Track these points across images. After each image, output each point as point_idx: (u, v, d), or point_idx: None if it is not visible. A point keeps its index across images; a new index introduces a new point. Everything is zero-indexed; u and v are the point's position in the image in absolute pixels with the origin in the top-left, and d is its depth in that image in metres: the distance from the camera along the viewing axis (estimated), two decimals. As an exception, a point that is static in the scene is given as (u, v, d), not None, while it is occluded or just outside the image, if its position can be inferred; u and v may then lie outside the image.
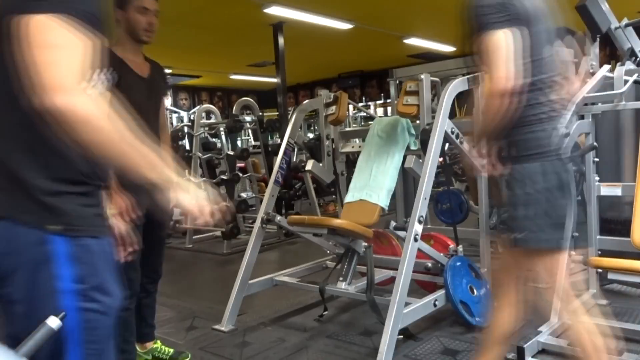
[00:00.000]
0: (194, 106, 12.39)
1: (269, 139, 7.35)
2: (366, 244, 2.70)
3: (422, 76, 2.77)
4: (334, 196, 5.07)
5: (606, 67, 2.66)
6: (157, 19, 2.11)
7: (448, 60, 3.73)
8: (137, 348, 2.42)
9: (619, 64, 2.67)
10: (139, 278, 2.15)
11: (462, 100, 3.40)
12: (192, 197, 1.05)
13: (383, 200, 2.85)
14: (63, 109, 0.87)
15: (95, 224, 1.04)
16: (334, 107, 3.25)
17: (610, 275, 2.11)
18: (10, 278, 0.95)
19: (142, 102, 2.01)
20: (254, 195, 6.11)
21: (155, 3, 2.11)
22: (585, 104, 2.68)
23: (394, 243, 3.18)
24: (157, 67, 2.28)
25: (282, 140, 3.36)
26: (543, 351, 2.33)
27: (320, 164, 3.39)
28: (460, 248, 2.85)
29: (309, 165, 3.33)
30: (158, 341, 2.51)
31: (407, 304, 2.41)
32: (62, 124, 0.89)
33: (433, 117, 2.74)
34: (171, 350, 2.49)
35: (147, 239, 1.90)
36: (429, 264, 2.80)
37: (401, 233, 2.58)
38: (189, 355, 2.52)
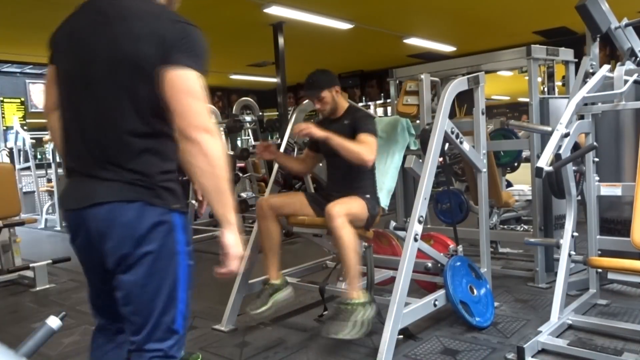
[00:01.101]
0: (194, 106, 12.36)
1: (269, 139, 7.35)
2: (366, 244, 2.69)
3: (422, 76, 2.77)
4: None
5: (606, 67, 2.66)
6: None
7: (448, 60, 3.73)
8: None
9: (619, 64, 2.67)
10: None
11: (462, 100, 3.41)
12: (236, 241, 1.33)
13: (383, 201, 2.84)
14: (207, 142, 1.26)
15: (185, 205, 1.41)
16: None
17: (610, 275, 2.11)
18: (147, 240, 1.31)
19: None
20: (254, 195, 6.11)
21: None
22: (585, 104, 2.69)
23: (394, 243, 3.18)
24: None
25: (282, 140, 3.35)
26: (543, 351, 2.33)
27: (320, 164, 3.39)
28: (460, 248, 2.86)
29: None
30: None
31: (407, 304, 2.41)
32: (197, 153, 1.25)
33: (433, 117, 2.74)
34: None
35: None
36: (429, 264, 2.80)
37: (401, 233, 2.58)
38: (200, 356, 2.52)
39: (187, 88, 1.28)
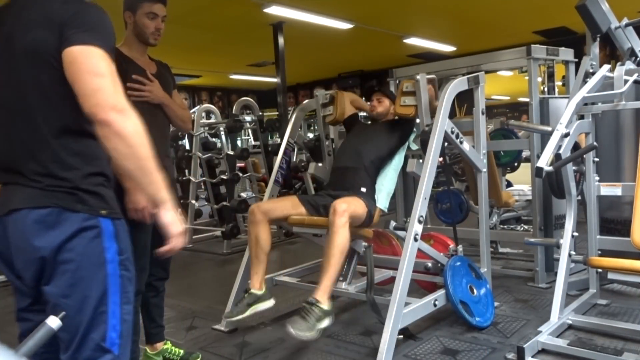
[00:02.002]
0: (194, 106, 12.37)
1: (269, 138, 7.35)
2: (366, 244, 2.69)
3: (418, 76, 2.76)
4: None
5: (606, 67, 2.66)
6: (164, 24, 2.21)
7: (448, 60, 3.73)
8: (147, 349, 2.43)
9: (619, 63, 2.67)
10: (144, 278, 2.15)
11: (462, 100, 3.41)
12: (174, 219, 1.26)
13: (382, 202, 2.85)
14: (120, 122, 1.15)
15: (118, 209, 1.31)
16: (331, 108, 3.23)
17: (610, 275, 2.11)
18: (66, 248, 1.21)
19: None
20: (254, 195, 6.11)
21: (164, 9, 2.20)
22: (585, 104, 2.68)
23: (394, 243, 3.18)
24: (163, 64, 2.35)
25: (282, 140, 3.36)
26: (543, 351, 2.33)
27: (320, 164, 3.39)
28: (460, 248, 2.86)
29: (311, 168, 3.34)
30: (168, 342, 2.50)
31: (407, 304, 2.41)
32: (110, 135, 1.15)
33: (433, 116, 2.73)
34: (182, 351, 2.48)
35: (156, 236, 1.93)
36: (429, 264, 2.80)
37: (401, 233, 2.58)
38: (200, 356, 2.52)
39: (87, 66, 1.17)
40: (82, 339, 1.23)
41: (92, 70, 1.17)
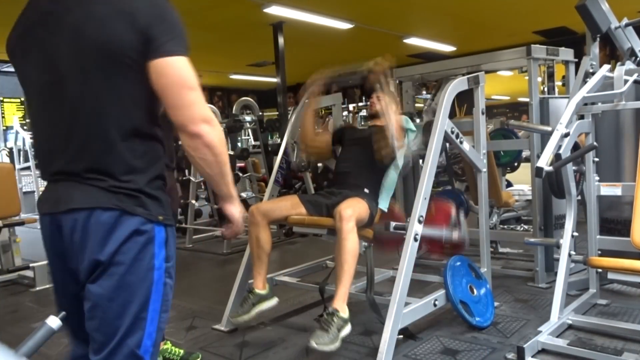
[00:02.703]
0: (194, 106, 12.37)
1: (269, 138, 7.35)
2: (366, 243, 2.69)
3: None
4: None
5: (606, 67, 2.66)
6: None
7: (448, 60, 3.73)
8: None
9: (619, 63, 2.67)
10: None
11: (462, 100, 3.41)
12: (239, 211, 1.39)
13: (382, 203, 2.85)
14: (208, 134, 1.19)
15: (171, 215, 1.30)
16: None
17: (610, 275, 2.11)
18: (119, 251, 1.19)
19: None
20: (254, 195, 6.11)
21: None
22: (585, 104, 2.69)
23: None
24: None
25: (282, 140, 3.36)
26: (543, 351, 2.33)
27: (320, 164, 3.39)
28: (462, 215, 2.85)
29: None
30: (168, 342, 2.50)
31: (407, 304, 2.41)
32: (200, 146, 1.20)
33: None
34: (181, 351, 2.48)
35: None
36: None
37: (402, 233, 2.58)
38: (200, 356, 2.52)
39: (180, 79, 1.18)
40: (118, 344, 1.20)
41: (185, 83, 1.18)
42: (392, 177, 2.93)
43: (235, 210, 1.38)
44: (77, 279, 1.24)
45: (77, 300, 1.25)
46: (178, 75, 1.17)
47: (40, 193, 1.32)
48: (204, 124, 1.19)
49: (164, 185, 1.29)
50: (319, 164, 3.54)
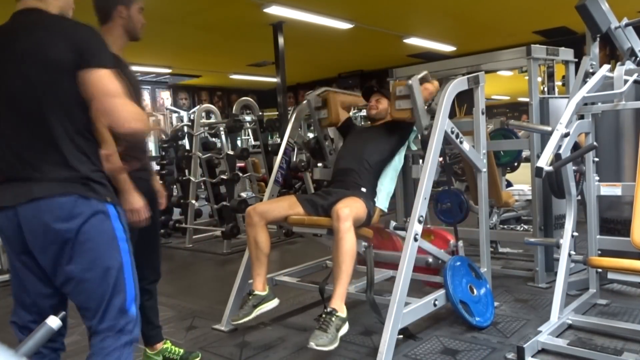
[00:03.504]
0: (194, 106, 12.39)
1: (269, 138, 7.35)
2: (365, 243, 2.69)
3: (411, 81, 2.72)
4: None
5: (606, 67, 2.66)
6: None
7: (448, 60, 3.73)
8: (147, 350, 2.43)
9: (619, 63, 2.67)
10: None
11: (462, 100, 3.41)
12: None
13: (382, 202, 2.85)
14: (140, 129, 1.47)
15: (117, 199, 1.60)
16: (325, 111, 3.21)
17: (610, 275, 2.11)
18: (83, 230, 1.43)
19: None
20: (254, 195, 6.11)
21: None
22: (585, 104, 2.69)
23: (395, 238, 3.17)
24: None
25: (282, 140, 3.36)
26: (543, 351, 2.33)
27: (320, 165, 3.39)
28: (460, 243, 2.86)
29: (316, 174, 3.34)
30: (168, 341, 2.49)
31: (407, 304, 2.41)
32: (134, 136, 1.50)
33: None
34: (181, 351, 2.48)
35: (143, 237, 2.00)
36: (430, 259, 2.81)
37: (401, 233, 2.58)
38: (199, 355, 2.52)
39: (103, 88, 1.41)
40: (107, 305, 1.47)
41: (108, 90, 1.41)
42: (391, 177, 2.94)
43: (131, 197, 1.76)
44: (42, 263, 1.47)
45: (40, 281, 1.52)
46: (104, 85, 1.42)
47: None
48: (131, 122, 1.43)
49: (105, 177, 1.54)
50: (319, 164, 3.53)
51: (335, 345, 2.22)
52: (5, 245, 1.52)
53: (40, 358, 1.56)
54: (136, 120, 1.43)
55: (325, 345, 2.19)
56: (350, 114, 3.47)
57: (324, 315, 2.30)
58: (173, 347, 2.48)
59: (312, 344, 2.17)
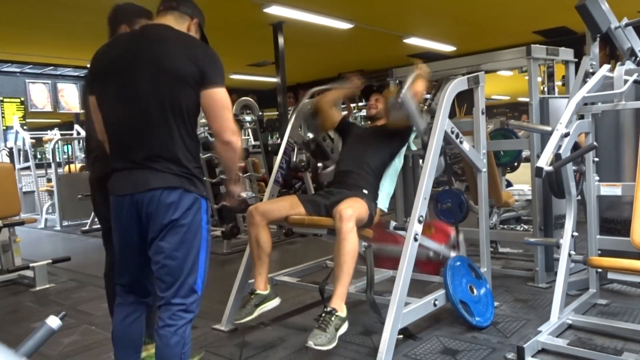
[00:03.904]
0: (194, 106, 12.36)
1: (269, 138, 7.35)
2: (366, 243, 2.69)
3: (402, 96, 2.61)
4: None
5: (606, 66, 2.66)
6: None
7: (448, 60, 3.73)
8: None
9: (619, 63, 2.67)
10: None
11: (462, 100, 3.41)
12: (240, 187, 2.04)
13: (382, 203, 2.85)
14: (235, 142, 1.78)
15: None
16: (320, 116, 3.22)
17: (610, 275, 2.11)
18: (182, 217, 1.74)
19: None
20: (253, 195, 6.09)
21: None
22: (585, 104, 2.68)
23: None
24: None
25: (282, 140, 3.35)
26: (543, 351, 2.33)
27: (320, 164, 3.39)
28: (461, 237, 2.85)
29: (322, 177, 3.33)
30: None
31: (407, 304, 2.41)
32: (228, 149, 1.78)
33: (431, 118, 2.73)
34: None
35: None
36: (431, 253, 2.81)
37: (401, 233, 2.58)
38: (202, 354, 2.53)
39: (222, 103, 1.74)
40: (183, 281, 1.76)
41: (224, 105, 1.74)
42: (392, 178, 2.94)
43: (236, 187, 2.02)
44: (144, 239, 1.77)
45: (138, 255, 1.81)
46: (221, 100, 1.74)
47: (111, 179, 1.81)
48: (234, 135, 1.77)
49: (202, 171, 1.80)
50: (319, 164, 3.53)
51: (334, 344, 2.22)
52: (115, 224, 1.82)
53: (134, 305, 1.90)
54: (235, 134, 1.77)
55: (324, 344, 2.19)
56: (351, 112, 3.46)
57: (323, 315, 2.30)
58: None
59: (310, 343, 2.18)
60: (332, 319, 2.27)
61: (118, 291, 1.93)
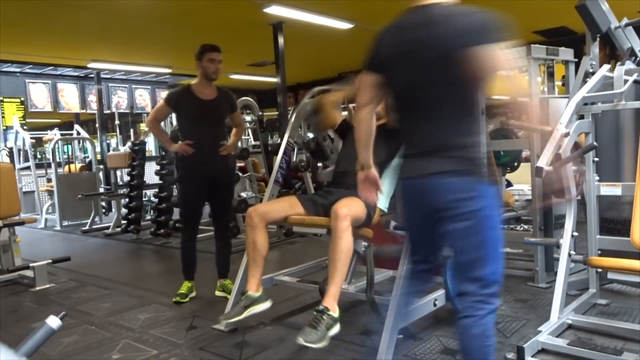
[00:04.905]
0: (194, 106, 12.36)
1: (269, 138, 7.35)
2: (366, 243, 2.69)
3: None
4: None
5: (606, 66, 2.66)
6: (221, 65, 3.45)
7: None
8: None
9: (619, 63, 2.67)
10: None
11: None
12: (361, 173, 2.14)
13: (382, 203, 2.84)
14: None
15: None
16: (320, 115, 3.23)
17: (610, 275, 2.12)
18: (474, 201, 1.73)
19: (200, 115, 3.43)
20: (254, 195, 6.11)
21: (220, 55, 3.46)
22: (585, 104, 2.68)
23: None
24: (224, 93, 3.55)
25: (282, 140, 3.36)
26: (543, 351, 2.33)
27: (320, 164, 3.39)
28: None
29: (320, 176, 3.33)
30: (228, 279, 3.52)
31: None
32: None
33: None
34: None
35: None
36: None
37: (401, 233, 2.58)
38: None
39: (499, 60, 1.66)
40: (483, 271, 1.87)
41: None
42: (391, 178, 2.93)
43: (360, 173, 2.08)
44: (434, 219, 1.79)
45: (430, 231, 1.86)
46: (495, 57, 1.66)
47: (402, 166, 1.98)
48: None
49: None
50: (319, 164, 3.53)
51: (325, 343, 2.21)
52: (407, 207, 1.93)
53: (418, 276, 2.06)
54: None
55: (314, 342, 2.18)
56: (351, 113, 3.47)
57: (315, 313, 2.29)
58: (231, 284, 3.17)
59: (300, 340, 2.17)
60: (324, 317, 2.26)
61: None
